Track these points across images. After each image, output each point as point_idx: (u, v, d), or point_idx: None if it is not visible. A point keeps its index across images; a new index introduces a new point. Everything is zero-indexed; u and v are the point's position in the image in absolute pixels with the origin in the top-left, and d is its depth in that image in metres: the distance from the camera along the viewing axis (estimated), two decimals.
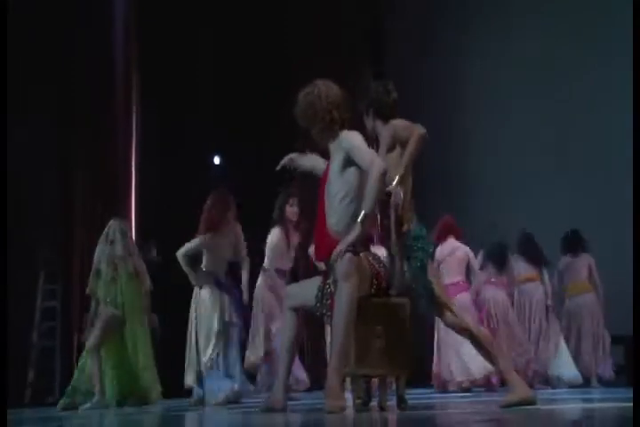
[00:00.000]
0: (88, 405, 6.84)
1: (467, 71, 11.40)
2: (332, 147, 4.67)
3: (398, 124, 4.71)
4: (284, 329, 4.75)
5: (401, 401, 4.63)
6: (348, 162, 4.56)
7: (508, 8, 11.21)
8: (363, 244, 4.53)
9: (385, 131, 4.71)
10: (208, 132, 10.30)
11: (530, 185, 10.62)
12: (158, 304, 7.70)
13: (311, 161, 4.96)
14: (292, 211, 7.35)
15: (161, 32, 9.73)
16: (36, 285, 8.75)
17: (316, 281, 4.67)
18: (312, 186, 4.97)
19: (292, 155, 5.02)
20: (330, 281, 4.48)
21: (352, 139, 4.58)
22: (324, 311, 4.51)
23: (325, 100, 4.64)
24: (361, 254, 4.47)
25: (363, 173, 4.53)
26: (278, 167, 5.05)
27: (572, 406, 5.14)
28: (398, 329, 4.60)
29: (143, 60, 9.72)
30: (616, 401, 5.21)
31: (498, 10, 11.30)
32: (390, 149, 4.67)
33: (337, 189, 4.59)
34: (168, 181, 9.53)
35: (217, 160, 10.86)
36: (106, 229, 7.40)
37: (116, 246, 7.27)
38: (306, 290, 4.67)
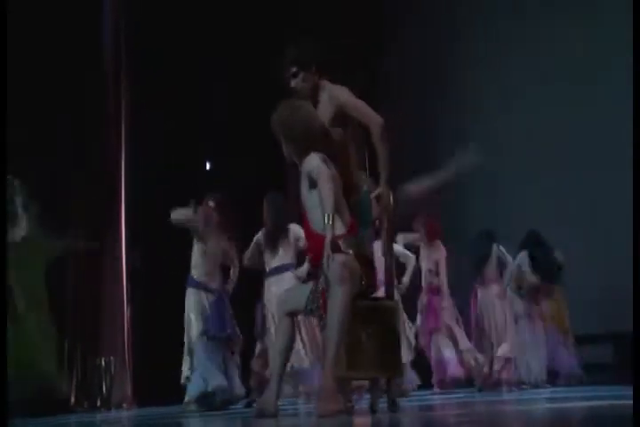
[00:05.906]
0: None
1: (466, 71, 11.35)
2: (302, 169, 4.65)
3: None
4: (277, 334, 4.72)
5: (392, 404, 4.60)
6: (312, 184, 4.54)
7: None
8: (347, 243, 4.49)
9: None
10: (202, 135, 10.25)
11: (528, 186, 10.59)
12: (149, 310, 7.62)
13: None
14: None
15: (153, 33, 9.65)
16: None
17: (307, 285, 4.63)
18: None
19: None
20: (321, 280, 4.44)
21: (311, 162, 4.57)
22: (315, 310, 4.49)
23: (316, 123, 4.66)
24: (350, 252, 4.44)
25: None
26: None
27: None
28: (389, 331, 4.58)
29: (134, 61, 9.57)
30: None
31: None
32: None
33: (306, 201, 4.60)
34: (159, 186, 9.46)
35: (209, 165, 10.82)
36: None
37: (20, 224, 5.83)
38: (298, 294, 4.65)
